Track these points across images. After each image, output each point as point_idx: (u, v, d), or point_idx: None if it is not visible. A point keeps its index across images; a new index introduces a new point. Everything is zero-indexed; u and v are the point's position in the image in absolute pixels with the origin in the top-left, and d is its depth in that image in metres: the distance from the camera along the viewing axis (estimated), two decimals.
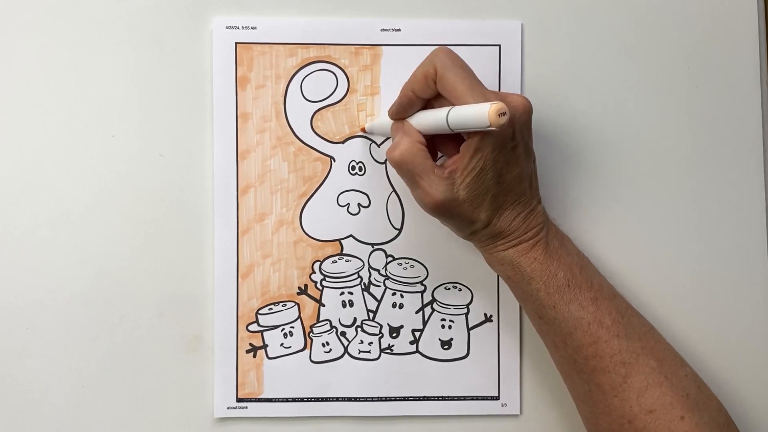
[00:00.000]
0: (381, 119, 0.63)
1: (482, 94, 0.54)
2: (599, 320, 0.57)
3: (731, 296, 0.65)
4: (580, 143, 0.65)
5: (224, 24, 0.64)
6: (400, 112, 0.59)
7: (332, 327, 0.65)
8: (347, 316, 0.65)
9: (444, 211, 0.57)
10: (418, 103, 0.58)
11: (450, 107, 0.55)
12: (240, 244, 0.64)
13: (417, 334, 0.65)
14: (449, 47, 0.57)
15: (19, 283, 0.63)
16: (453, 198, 0.56)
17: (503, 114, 0.51)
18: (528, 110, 0.57)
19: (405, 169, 0.57)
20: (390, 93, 0.64)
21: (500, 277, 0.62)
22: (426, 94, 0.57)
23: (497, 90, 0.64)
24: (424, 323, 0.65)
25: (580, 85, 0.65)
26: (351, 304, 0.65)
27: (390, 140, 0.62)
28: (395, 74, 0.64)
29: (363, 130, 0.64)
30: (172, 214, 0.64)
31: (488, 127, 0.51)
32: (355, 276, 0.65)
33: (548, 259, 0.58)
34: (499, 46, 0.64)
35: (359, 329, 0.65)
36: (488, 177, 0.56)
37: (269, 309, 0.64)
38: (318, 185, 0.64)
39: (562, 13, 0.65)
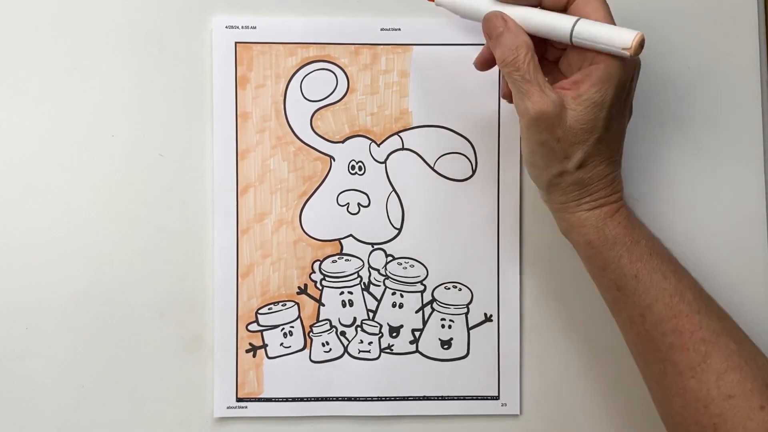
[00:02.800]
0: None
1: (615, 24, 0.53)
2: (681, 293, 0.55)
3: (731, 296, 0.64)
4: None
5: (224, 24, 0.64)
6: None
7: (332, 327, 0.65)
8: (347, 315, 0.65)
9: (547, 126, 0.53)
10: (531, 1, 0.55)
11: (577, 17, 0.53)
12: (240, 244, 0.64)
13: (417, 333, 0.65)
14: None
15: (19, 283, 0.63)
16: (560, 115, 0.52)
17: (642, 46, 0.51)
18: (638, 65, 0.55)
19: (517, 75, 0.53)
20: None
21: (576, 248, 0.58)
22: (550, 3, 0.54)
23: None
24: (424, 323, 0.65)
25: None
26: (351, 303, 0.65)
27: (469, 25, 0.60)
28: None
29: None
30: (172, 214, 0.64)
31: (625, 49, 0.50)
32: (355, 276, 0.65)
33: (631, 225, 0.56)
34: None
35: (359, 329, 0.65)
36: (601, 115, 0.53)
37: (269, 309, 0.64)
38: (318, 185, 0.64)
39: None
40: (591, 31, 0.52)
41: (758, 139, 0.66)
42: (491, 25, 0.55)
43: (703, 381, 0.54)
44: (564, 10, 0.55)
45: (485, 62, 0.60)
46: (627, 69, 0.53)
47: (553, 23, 0.54)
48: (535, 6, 0.56)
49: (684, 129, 0.66)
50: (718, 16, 0.66)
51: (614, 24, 0.54)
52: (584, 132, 0.53)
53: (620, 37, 0.51)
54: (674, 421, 0.56)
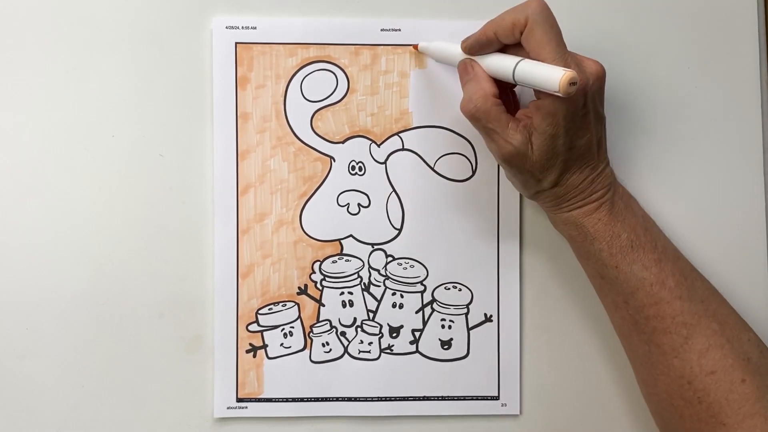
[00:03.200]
0: (445, 44, 0.62)
1: (563, 57, 0.54)
2: (662, 281, 0.57)
3: (731, 296, 0.64)
4: None
5: (224, 24, 0.64)
6: (475, 49, 0.58)
7: (332, 327, 0.65)
8: (347, 316, 0.65)
9: (516, 163, 0.57)
10: (496, 45, 0.58)
11: (520, 59, 0.55)
12: (240, 244, 0.64)
13: (417, 334, 0.65)
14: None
15: (19, 283, 0.63)
16: (526, 154, 0.56)
17: (573, 84, 0.51)
18: (601, 77, 0.57)
19: (480, 124, 0.57)
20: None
21: (564, 237, 0.62)
22: (508, 40, 0.57)
23: None
24: (424, 323, 0.65)
25: None
26: (351, 304, 0.65)
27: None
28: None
29: (415, 48, 0.64)
30: (172, 214, 0.64)
31: (555, 92, 0.52)
32: (355, 276, 0.65)
33: (612, 220, 0.58)
34: None
35: (359, 329, 0.65)
36: (559, 143, 0.56)
37: (269, 309, 0.64)
38: (318, 185, 0.64)
39: (562, 13, 0.65)
40: (527, 72, 0.54)
41: (758, 139, 0.66)
42: (461, 71, 0.60)
43: (686, 360, 0.57)
44: (519, 39, 0.56)
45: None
46: (573, 100, 0.54)
47: (501, 66, 0.56)
48: (501, 49, 0.58)
49: (684, 129, 0.66)
50: (718, 16, 0.66)
51: (561, 49, 0.55)
52: (548, 160, 0.56)
53: (549, 80, 0.52)
54: (660, 398, 0.59)
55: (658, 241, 0.59)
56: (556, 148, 0.56)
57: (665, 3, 0.65)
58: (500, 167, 0.64)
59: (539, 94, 0.55)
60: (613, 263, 0.58)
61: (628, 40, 0.65)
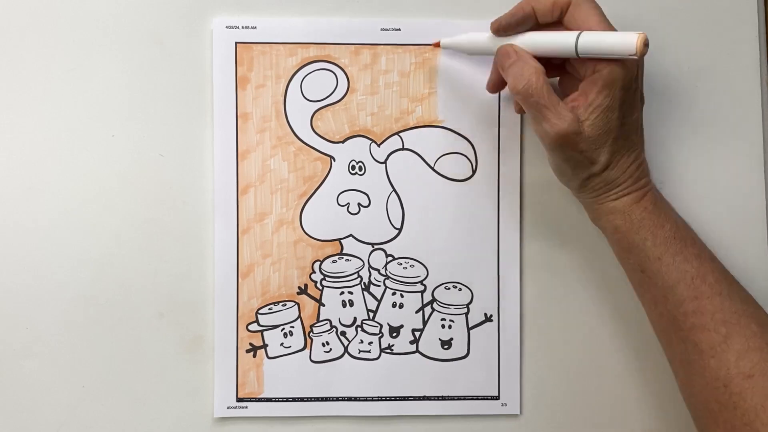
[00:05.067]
0: (472, 35, 0.61)
1: (612, 27, 0.55)
2: (703, 276, 0.57)
3: None
4: None
5: (224, 24, 0.64)
6: (509, 27, 0.58)
7: (332, 327, 0.65)
8: (347, 315, 0.65)
9: (568, 144, 0.56)
10: (529, 24, 0.57)
11: (578, 31, 0.54)
12: (240, 244, 0.64)
13: (417, 333, 0.65)
14: None
15: (19, 283, 0.63)
16: (578, 131, 0.55)
17: (647, 45, 0.52)
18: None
19: (532, 101, 0.55)
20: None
21: (604, 233, 0.61)
22: (545, 17, 0.56)
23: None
24: (424, 323, 0.65)
25: None
26: (351, 303, 0.65)
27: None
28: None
29: (437, 45, 0.63)
30: (172, 214, 0.64)
31: (631, 55, 0.51)
32: (355, 276, 0.65)
33: (657, 210, 0.58)
34: None
35: (359, 329, 0.65)
36: (614, 116, 0.55)
37: (269, 309, 0.64)
38: (318, 185, 0.64)
39: None
40: (594, 42, 0.54)
41: (758, 139, 0.66)
42: (503, 56, 0.58)
43: (723, 360, 0.55)
44: (559, 21, 0.57)
45: (496, 85, 0.62)
46: (630, 68, 0.55)
47: (557, 42, 0.56)
48: (533, 28, 0.58)
49: (684, 129, 0.66)
50: (718, 16, 0.66)
51: (609, 24, 0.56)
52: (602, 136, 0.55)
53: (624, 43, 0.52)
54: (696, 400, 0.58)
55: (696, 239, 0.59)
56: (610, 122, 0.55)
57: (665, 3, 0.65)
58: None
59: (597, 66, 0.55)
60: (656, 254, 0.57)
61: None
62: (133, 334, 0.64)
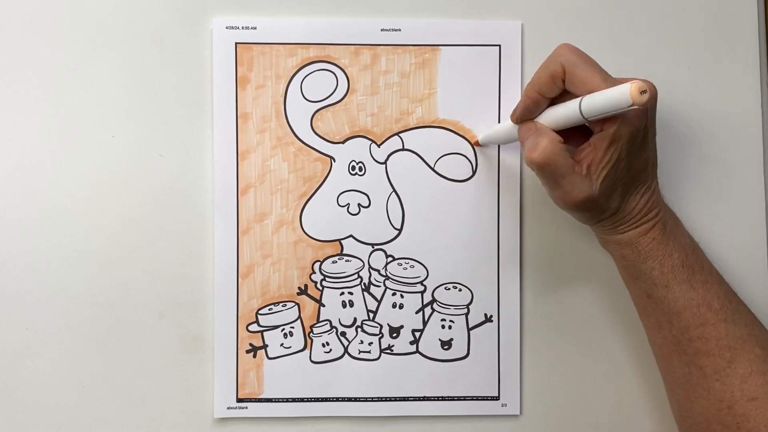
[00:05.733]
0: (499, 127, 0.62)
1: (614, 82, 0.54)
2: (708, 303, 0.57)
3: None
4: None
5: (224, 24, 0.64)
6: (526, 115, 0.58)
7: (332, 327, 0.65)
8: (347, 316, 0.65)
9: (584, 209, 0.57)
10: (544, 104, 0.58)
11: (581, 97, 0.54)
12: (240, 244, 0.64)
13: (417, 334, 0.65)
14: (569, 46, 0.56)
15: (19, 283, 0.63)
16: (592, 195, 0.56)
17: (644, 91, 0.51)
18: (655, 94, 0.56)
19: (548, 171, 0.56)
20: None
21: (612, 257, 0.61)
22: (552, 93, 0.57)
23: (498, 95, 0.64)
24: (424, 323, 0.65)
25: None
26: (351, 304, 0.65)
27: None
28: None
29: (476, 144, 0.64)
30: (172, 214, 0.64)
31: (630, 106, 0.51)
32: (355, 276, 0.65)
33: (665, 239, 0.58)
34: (499, 46, 0.64)
35: (359, 329, 0.65)
36: (621, 167, 0.56)
37: (269, 309, 0.64)
38: (318, 185, 0.64)
39: (562, 13, 0.65)
40: (594, 104, 0.53)
41: (758, 140, 0.66)
42: (524, 131, 0.58)
43: (728, 384, 0.56)
44: (563, 87, 0.56)
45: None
46: (635, 122, 0.55)
47: (566, 114, 0.56)
48: (551, 104, 0.58)
49: (684, 130, 0.66)
50: (718, 16, 0.66)
51: (606, 77, 0.55)
52: (611, 187, 0.56)
53: (620, 97, 0.51)
54: (695, 421, 0.58)
55: (704, 263, 0.59)
56: (618, 173, 0.56)
57: (665, 3, 0.65)
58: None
59: (601, 125, 0.55)
60: (663, 282, 0.58)
61: (628, 40, 0.65)
62: (133, 334, 0.64)
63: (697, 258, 0.59)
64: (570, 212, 0.59)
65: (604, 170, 0.55)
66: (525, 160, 0.58)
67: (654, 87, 0.56)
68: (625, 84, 0.51)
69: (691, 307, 0.57)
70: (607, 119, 0.55)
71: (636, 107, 0.51)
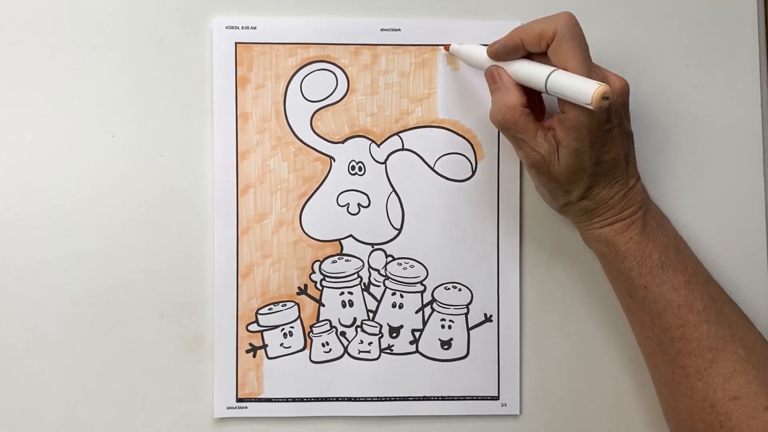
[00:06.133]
0: (474, 47, 0.62)
1: (588, 71, 0.55)
2: (690, 304, 0.57)
3: (731, 296, 0.64)
4: None
5: (224, 24, 0.64)
6: (501, 54, 0.59)
7: (332, 327, 0.65)
8: (347, 316, 0.65)
9: (544, 172, 0.57)
10: (521, 53, 0.58)
11: (553, 69, 0.55)
12: (240, 244, 0.64)
13: (417, 334, 0.65)
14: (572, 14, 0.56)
15: (19, 283, 0.63)
16: (552, 162, 0.56)
17: (606, 98, 0.51)
18: (625, 92, 0.57)
19: (509, 133, 0.57)
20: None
21: (595, 254, 0.62)
22: (533, 49, 0.57)
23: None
24: (424, 323, 0.65)
25: None
26: (351, 304, 0.65)
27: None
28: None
29: (446, 48, 0.64)
30: (172, 214, 0.64)
31: (587, 104, 0.51)
32: (355, 276, 0.65)
33: (644, 239, 0.58)
34: None
35: (359, 329, 0.65)
36: (585, 158, 0.56)
37: (269, 309, 0.64)
38: (318, 185, 0.64)
39: None
40: (560, 84, 0.54)
41: (758, 139, 0.66)
42: (489, 78, 0.60)
43: (710, 384, 0.56)
44: (545, 50, 0.57)
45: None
46: (595, 115, 0.54)
47: (533, 75, 0.56)
48: (527, 56, 0.58)
49: (683, 129, 0.66)
50: (718, 16, 0.66)
51: (587, 65, 0.55)
52: (575, 173, 0.56)
53: (582, 93, 0.52)
54: (680, 419, 0.59)
55: (689, 263, 0.59)
56: (583, 162, 0.56)
57: (665, 3, 0.65)
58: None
59: (564, 107, 0.55)
60: (642, 283, 0.58)
61: (628, 41, 0.65)
62: (133, 334, 0.64)
63: (680, 258, 0.59)
64: (535, 177, 0.59)
65: (565, 151, 0.56)
66: (489, 116, 0.59)
67: (626, 90, 0.57)
68: (592, 83, 0.52)
69: (671, 309, 0.57)
70: (569, 103, 0.55)
71: (592, 108, 0.51)
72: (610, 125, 0.56)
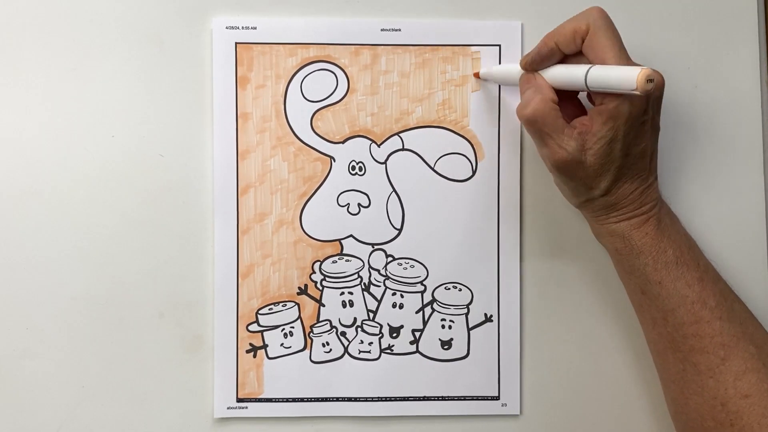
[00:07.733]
0: (506, 66, 0.62)
1: (627, 61, 0.55)
2: (703, 300, 0.57)
3: None
4: None
5: (224, 24, 0.64)
6: (536, 63, 0.58)
7: (332, 327, 0.65)
8: (347, 316, 0.65)
9: (568, 170, 0.57)
10: (556, 57, 0.58)
11: (590, 65, 0.54)
12: (240, 244, 0.64)
13: (417, 334, 0.65)
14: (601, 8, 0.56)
15: (19, 283, 0.63)
16: (579, 160, 0.56)
17: (651, 81, 0.51)
18: (662, 85, 0.57)
19: (536, 127, 0.57)
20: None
21: (606, 249, 0.61)
22: (569, 49, 0.57)
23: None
24: (424, 323, 0.65)
25: None
26: (351, 304, 0.65)
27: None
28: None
29: (476, 75, 0.64)
30: (172, 214, 0.64)
31: (633, 90, 0.51)
32: (355, 276, 0.65)
33: (659, 235, 0.58)
34: (499, 46, 0.64)
35: (359, 329, 0.65)
36: (617, 148, 0.56)
37: (269, 309, 0.64)
38: (318, 185, 0.64)
39: (562, 13, 0.65)
40: (601, 77, 0.54)
41: (758, 139, 0.66)
42: (523, 82, 0.59)
43: (721, 381, 0.56)
44: (581, 46, 0.56)
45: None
46: (636, 103, 0.55)
47: (571, 76, 0.56)
48: (561, 61, 0.58)
49: (684, 129, 0.66)
50: (718, 16, 0.66)
51: (623, 55, 0.55)
52: (604, 165, 0.56)
53: (626, 79, 0.52)
54: (689, 417, 0.58)
55: (701, 260, 0.59)
56: (613, 153, 0.56)
57: (665, 3, 0.65)
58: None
59: (602, 99, 0.55)
60: (656, 278, 0.58)
61: (629, 41, 0.65)
62: (133, 334, 0.64)
63: (693, 255, 0.59)
64: (556, 176, 0.59)
65: (598, 144, 0.55)
66: (516, 112, 0.58)
67: (662, 79, 0.56)
68: (635, 68, 0.51)
69: (685, 305, 0.57)
70: (608, 95, 0.54)
71: (638, 93, 0.51)
72: (646, 117, 0.56)
